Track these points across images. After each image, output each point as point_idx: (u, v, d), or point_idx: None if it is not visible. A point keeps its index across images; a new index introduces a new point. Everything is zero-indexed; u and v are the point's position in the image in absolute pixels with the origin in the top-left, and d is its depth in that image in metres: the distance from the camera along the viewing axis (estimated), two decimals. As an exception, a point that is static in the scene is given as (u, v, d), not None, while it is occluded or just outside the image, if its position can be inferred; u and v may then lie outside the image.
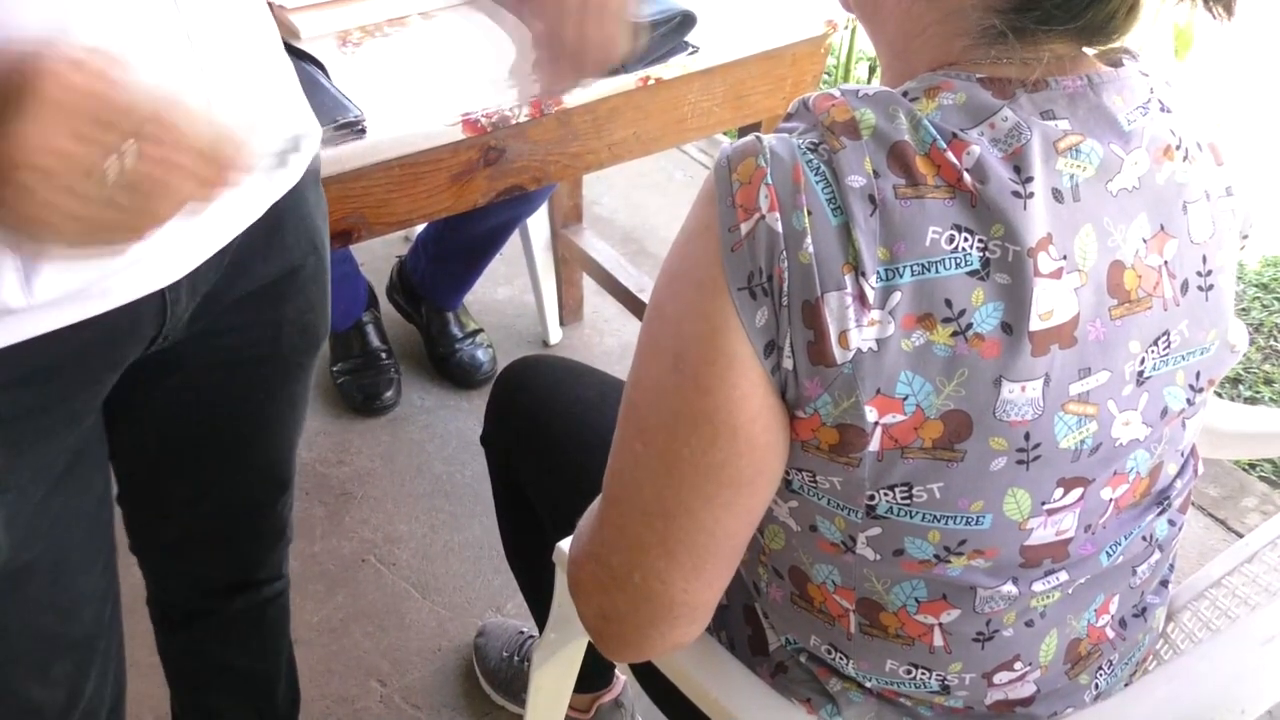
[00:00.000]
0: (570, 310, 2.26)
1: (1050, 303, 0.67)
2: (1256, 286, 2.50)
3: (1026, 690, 0.82)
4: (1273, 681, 0.72)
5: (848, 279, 0.65)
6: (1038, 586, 0.77)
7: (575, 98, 1.23)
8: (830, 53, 2.91)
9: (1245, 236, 0.81)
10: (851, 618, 0.80)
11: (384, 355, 2.08)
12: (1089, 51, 0.73)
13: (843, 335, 0.65)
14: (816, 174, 0.66)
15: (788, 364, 0.67)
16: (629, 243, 2.48)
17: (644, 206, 2.61)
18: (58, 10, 0.63)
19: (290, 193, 0.87)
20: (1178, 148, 0.72)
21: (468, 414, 2.06)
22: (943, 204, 0.66)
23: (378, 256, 2.34)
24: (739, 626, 0.90)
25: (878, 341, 0.65)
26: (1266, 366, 2.29)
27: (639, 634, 0.76)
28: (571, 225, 2.11)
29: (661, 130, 1.36)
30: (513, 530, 1.29)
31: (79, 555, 0.87)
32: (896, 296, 0.65)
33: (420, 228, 2.10)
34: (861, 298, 0.65)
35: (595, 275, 2.08)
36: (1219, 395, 2.15)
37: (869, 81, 2.79)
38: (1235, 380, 2.24)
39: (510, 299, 2.35)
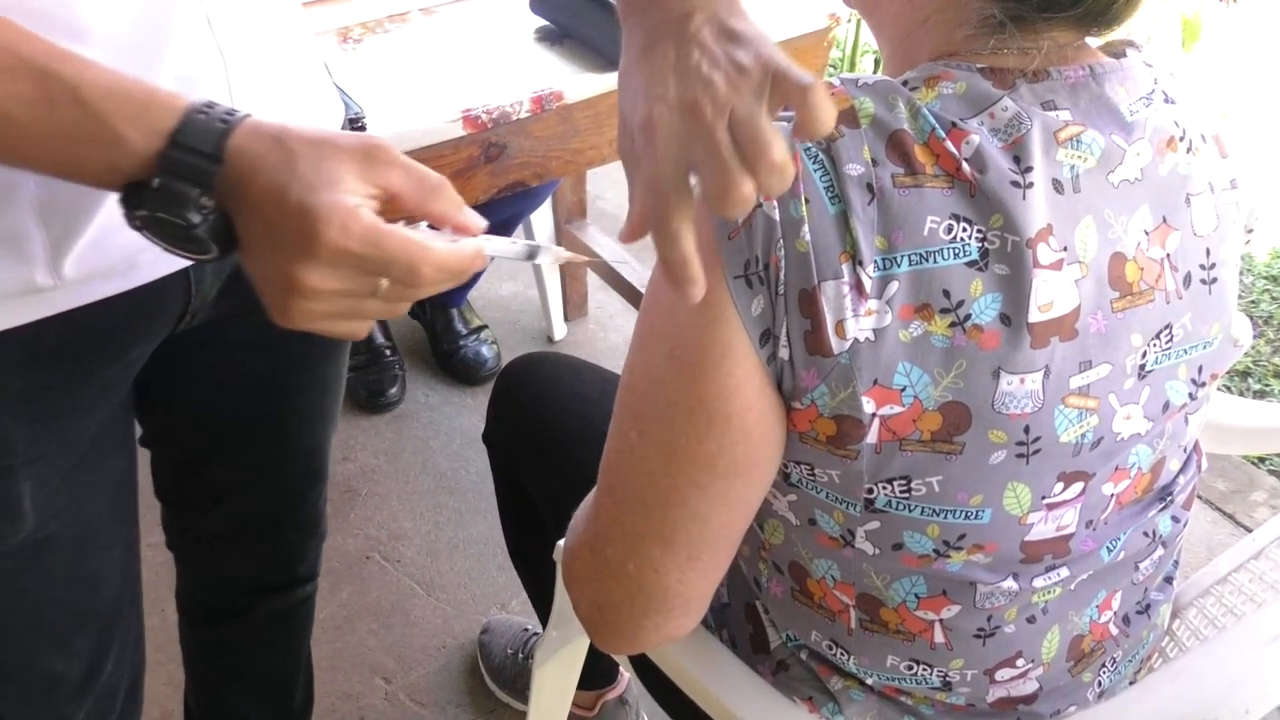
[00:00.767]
0: (575, 306, 2.25)
1: (1050, 294, 0.66)
2: (1266, 279, 2.49)
3: (1029, 687, 0.81)
4: (1278, 682, 0.71)
5: (845, 268, 0.64)
6: (1039, 582, 0.76)
7: (576, 93, 1.23)
8: (836, 45, 2.91)
9: (1250, 230, 0.80)
10: (852, 613, 0.79)
11: (388, 352, 2.09)
12: (1092, 42, 0.72)
13: (839, 325, 0.64)
14: (814, 162, 0.65)
15: (784, 354, 0.66)
16: (634, 239, 2.47)
17: (649, 202, 2.59)
18: None
19: None
20: (1181, 139, 0.71)
21: (472, 410, 2.06)
22: (941, 193, 0.65)
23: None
24: (740, 624, 0.89)
25: (875, 331, 0.65)
26: (1277, 359, 2.27)
27: (633, 625, 0.75)
28: (575, 220, 2.10)
29: (664, 125, 1.35)
30: (515, 528, 1.28)
31: (102, 530, 0.88)
32: (894, 286, 0.64)
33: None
34: (859, 287, 0.64)
35: (599, 270, 2.07)
36: (1227, 389, 2.14)
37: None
38: (1244, 374, 2.23)
39: (514, 295, 2.35)
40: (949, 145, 0.65)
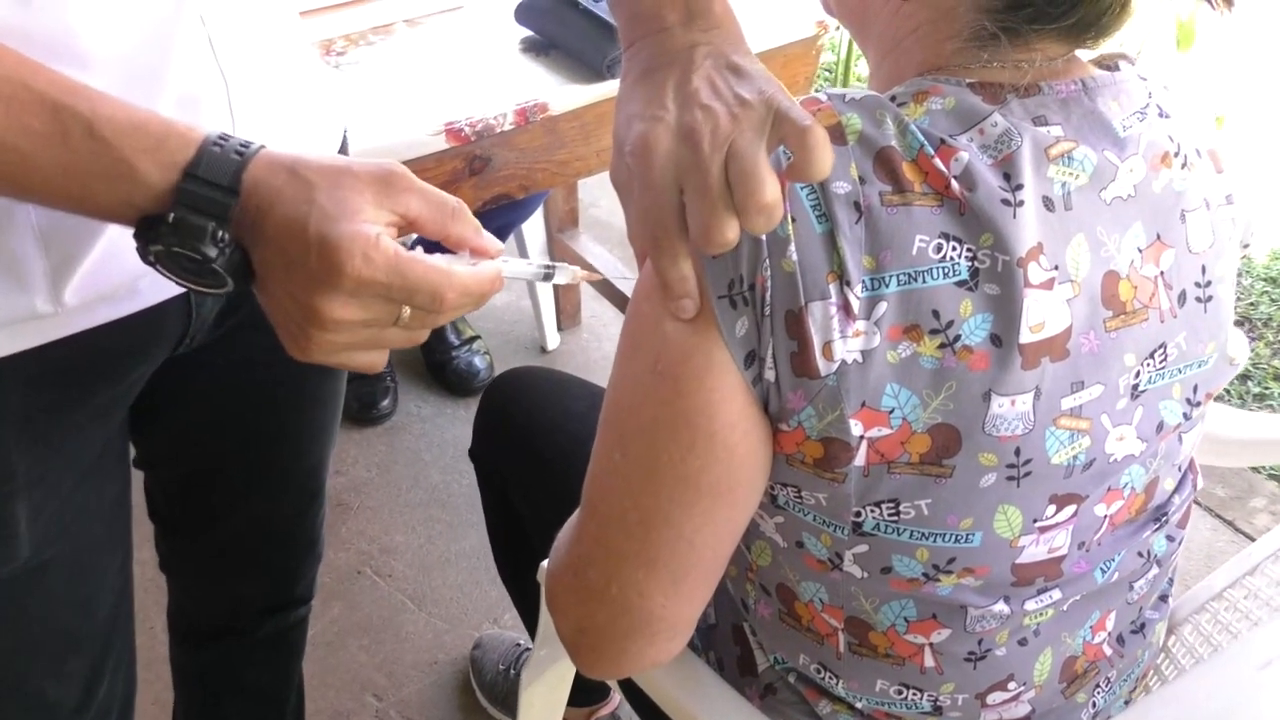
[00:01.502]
0: (568, 315, 2.24)
1: (1041, 314, 0.64)
2: (1265, 281, 2.48)
3: (1021, 710, 0.80)
4: (1270, 707, 0.69)
5: (832, 288, 0.63)
6: (1030, 605, 0.75)
7: (561, 105, 1.22)
8: (831, 49, 2.90)
9: (1246, 245, 0.79)
10: (840, 636, 0.77)
11: (380, 363, 2.07)
12: (1083, 55, 0.71)
13: (827, 346, 0.63)
14: None
15: (769, 375, 0.65)
16: (626, 246, 2.46)
17: (642, 210, 2.58)
18: (67, 15, 0.62)
19: None
20: (1176, 154, 0.70)
21: (465, 422, 2.04)
22: (930, 212, 0.64)
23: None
24: (727, 646, 0.88)
25: (863, 353, 0.63)
26: (1277, 362, 2.26)
27: (616, 649, 0.74)
28: (567, 230, 2.09)
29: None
30: (503, 544, 1.27)
31: (98, 554, 0.87)
32: (882, 307, 0.63)
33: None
34: (846, 308, 0.63)
35: (592, 280, 2.06)
36: (1227, 392, 2.13)
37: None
38: (1244, 377, 2.22)
39: (507, 305, 2.33)
40: (937, 162, 0.64)
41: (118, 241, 0.70)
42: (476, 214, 1.24)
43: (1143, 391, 0.70)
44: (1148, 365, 0.70)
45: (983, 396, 0.65)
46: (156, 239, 0.57)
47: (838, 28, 1.93)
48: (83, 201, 0.57)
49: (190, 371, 0.89)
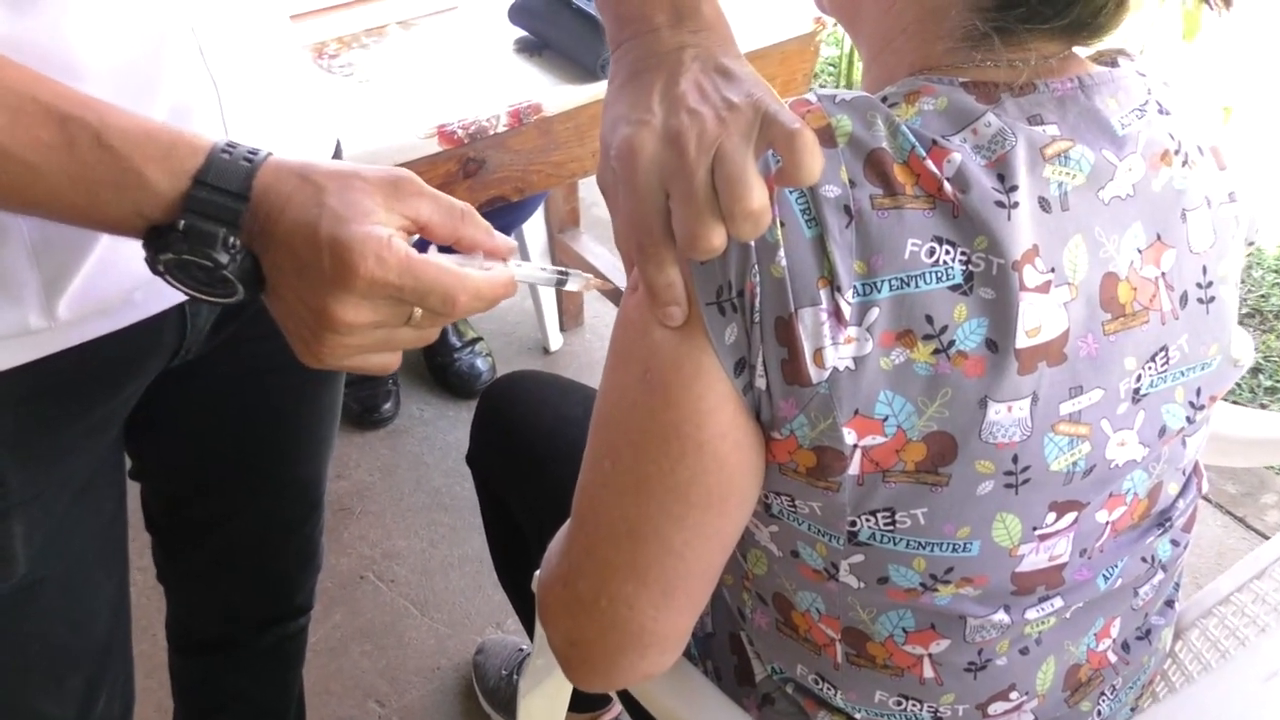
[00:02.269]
0: (570, 316, 2.23)
1: (1038, 318, 0.63)
2: (1276, 273, 2.45)
3: (1024, 720, 0.79)
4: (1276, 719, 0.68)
5: (823, 294, 0.61)
6: (1031, 614, 0.73)
7: (556, 105, 1.20)
8: (835, 42, 2.88)
9: (1251, 243, 0.77)
10: (838, 647, 0.76)
11: (382, 366, 2.06)
12: (1080, 52, 0.69)
13: (818, 353, 0.61)
14: None
15: (760, 383, 0.63)
16: (630, 246, 2.45)
17: (645, 209, 2.57)
18: (61, 27, 0.62)
19: None
20: (1176, 152, 0.68)
21: (467, 424, 2.01)
22: (922, 215, 0.62)
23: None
24: (725, 655, 0.86)
25: (855, 360, 0.62)
26: (1289, 355, 2.24)
27: (607, 661, 0.72)
28: (569, 230, 2.08)
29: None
30: (502, 550, 1.26)
31: (94, 569, 0.87)
32: (874, 312, 0.62)
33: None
34: (837, 314, 0.61)
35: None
36: (1238, 386, 2.11)
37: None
38: (1255, 370, 2.20)
39: (509, 306, 2.32)
40: (930, 164, 0.62)
41: (112, 254, 0.69)
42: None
43: (1144, 395, 0.69)
44: (1149, 369, 0.68)
45: (978, 403, 0.63)
46: (166, 247, 0.56)
47: (836, 24, 1.91)
48: (89, 212, 0.57)
49: (186, 382, 0.88)
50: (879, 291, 0.62)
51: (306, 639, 1.23)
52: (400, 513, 1.86)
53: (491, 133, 1.17)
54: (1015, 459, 0.65)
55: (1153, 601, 0.82)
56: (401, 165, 1.12)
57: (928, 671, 0.75)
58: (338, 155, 0.95)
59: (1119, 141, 0.66)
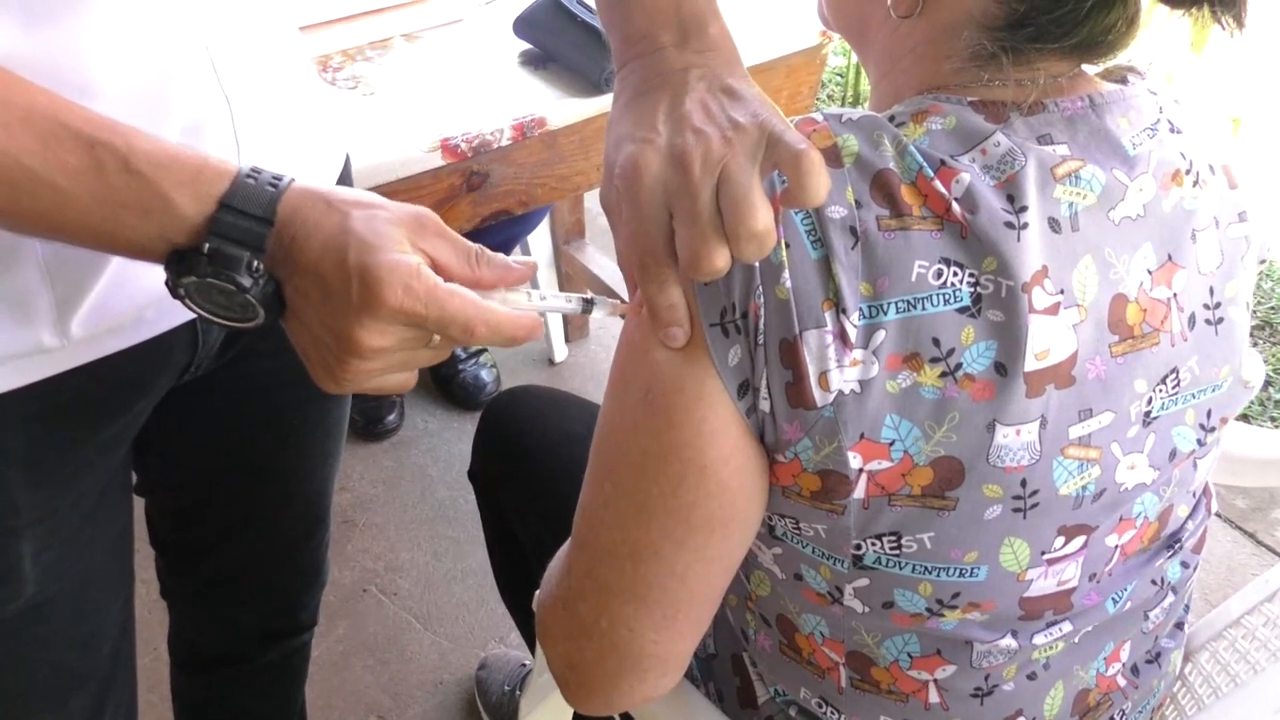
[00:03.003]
0: (576, 327, 2.22)
1: (1046, 341, 0.62)
2: (1290, 281, 2.44)
3: (1032, 745, 0.77)
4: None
5: (828, 316, 0.60)
6: (1039, 639, 0.72)
7: (560, 119, 1.19)
8: (842, 53, 2.87)
9: (1262, 261, 0.76)
10: (842, 671, 0.75)
11: (386, 378, 2.05)
12: (1089, 69, 0.68)
13: (823, 376, 0.61)
14: None
15: (764, 406, 0.62)
16: (636, 257, 2.44)
17: (651, 219, 2.56)
18: (76, 45, 0.61)
19: None
20: (1188, 172, 0.67)
21: (472, 436, 2.02)
22: (930, 236, 0.61)
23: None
24: (727, 677, 0.85)
25: (860, 383, 0.61)
26: (1300, 364, 2.22)
27: (607, 684, 0.71)
28: (574, 241, 2.07)
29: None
30: (504, 565, 1.25)
31: (101, 588, 0.86)
32: (880, 335, 0.61)
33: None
34: (843, 336, 0.60)
35: (600, 291, 2.04)
36: (1252, 399, 2.09)
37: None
38: (1266, 383, 2.18)
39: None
40: (938, 185, 0.61)
41: (124, 272, 0.69)
42: (476, 230, 1.23)
43: (1155, 418, 0.68)
44: (1160, 391, 0.67)
45: (986, 427, 0.62)
46: (190, 270, 0.56)
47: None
48: (114, 238, 0.57)
49: (194, 398, 0.88)
50: (885, 314, 0.61)
51: (309, 653, 1.22)
52: (404, 525, 1.85)
53: (495, 146, 1.16)
54: (1024, 483, 0.64)
55: (1163, 624, 0.81)
56: (405, 179, 1.13)
57: (933, 697, 0.74)
58: (347, 170, 0.94)
59: (1130, 161, 0.65)
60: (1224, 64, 2.49)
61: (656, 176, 0.58)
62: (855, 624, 0.72)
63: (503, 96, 1.22)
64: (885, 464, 0.63)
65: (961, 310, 0.61)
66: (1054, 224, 0.63)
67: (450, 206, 1.18)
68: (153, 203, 0.55)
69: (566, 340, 2.20)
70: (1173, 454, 0.70)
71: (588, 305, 0.66)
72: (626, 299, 0.66)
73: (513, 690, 1.51)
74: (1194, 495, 0.76)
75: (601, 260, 2.05)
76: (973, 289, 0.61)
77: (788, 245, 0.61)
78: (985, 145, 0.63)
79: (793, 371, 0.61)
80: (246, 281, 0.56)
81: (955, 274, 0.61)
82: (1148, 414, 0.67)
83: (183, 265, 0.57)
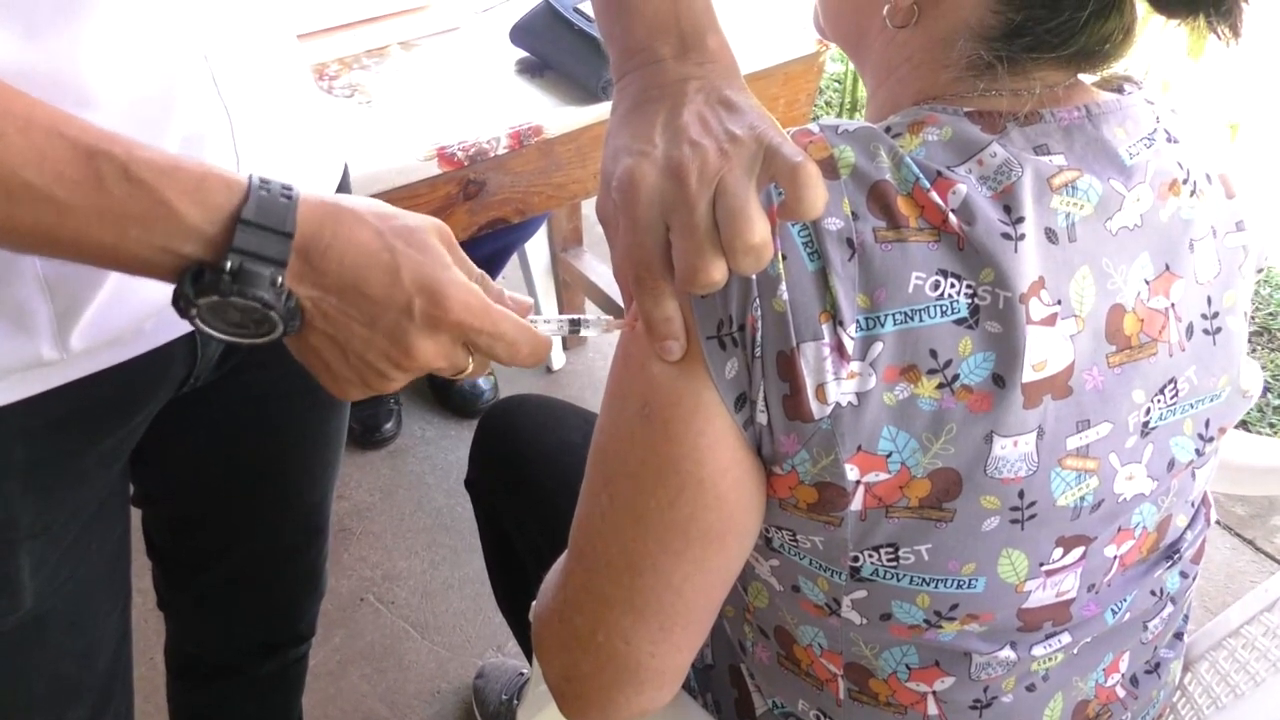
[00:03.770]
0: (574, 336, 2.21)
1: (1043, 352, 0.62)
2: (1284, 291, 2.43)
3: (1031, 757, 0.77)
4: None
5: (825, 328, 0.60)
6: (1038, 650, 0.72)
7: (557, 127, 1.19)
8: (841, 59, 2.87)
9: (1260, 270, 0.76)
10: (840, 683, 0.75)
11: (384, 385, 2.05)
12: (1085, 79, 0.68)
13: (820, 388, 0.60)
14: None
15: (761, 418, 0.62)
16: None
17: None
18: (75, 56, 0.61)
19: None
20: (1185, 182, 0.67)
21: (469, 444, 2.01)
22: (927, 247, 0.61)
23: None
24: (725, 688, 0.85)
25: (858, 395, 0.61)
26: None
27: (603, 697, 0.71)
28: (571, 248, 2.07)
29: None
30: (501, 574, 1.24)
31: (99, 600, 0.86)
32: (878, 347, 0.60)
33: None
34: (840, 348, 0.60)
35: (597, 299, 2.04)
36: (1251, 408, 2.09)
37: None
38: (1264, 389, 2.18)
39: (513, 324, 2.30)
40: (934, 196, 0.61)
41: (124, 284, 0.69)
42: (473, 238, 1.23)
43: (1153, 429, 0.68)
44: (1158, 401, 0.67)
45: (984, 438, 0.62)
46: (212, 289, 0.54)
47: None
48: (117, 251, 0.55)
49: (191, 409, 0.87)
50: (883, 326, 0.60)
51: (307, 664, 1.22)
52: (401, 533, 1.85)
53: (492, 154, 1.16)
54: (1021, 494, 0.64)
55: (1162, 635, 0.81)
56: (401, 188, 1.13)
57: (932, 709, 0.73)
58: (346, 179, 0.94)
59: (1127, 171, 0.65)
60: (1221, 70, 2.49)
61: (653, 189, 0.58)
62: (853, 635, 0.72)
63: (499, 105, 1.21)
64: (882, 476, 0.62)
65: (959, 322, 0.61)
66: (1051, 234, 0.62)
67: (447, 215, 1.17)
68: (155, 211, 0.54)
69: (565, 348, 2.20)
70: (1171, 464, 0.69)
71: (575, 327, 0.67)
72: (623, 309, 0.66)
73: (510, 699, 1.50)
74: (1192, 505, 0.76)
75: (599, 268, 2.04)
76: (970, 300, 0.61)
77: (784, 257, 0.61)
78: (982, 156, 0.63)
79: (790, 384, 0.61)
80: (270, 298, 0.55)
81: (952, 285, 0.61)
82: (1146, 424, 0.67)
83: (202, 284, 0.55)
